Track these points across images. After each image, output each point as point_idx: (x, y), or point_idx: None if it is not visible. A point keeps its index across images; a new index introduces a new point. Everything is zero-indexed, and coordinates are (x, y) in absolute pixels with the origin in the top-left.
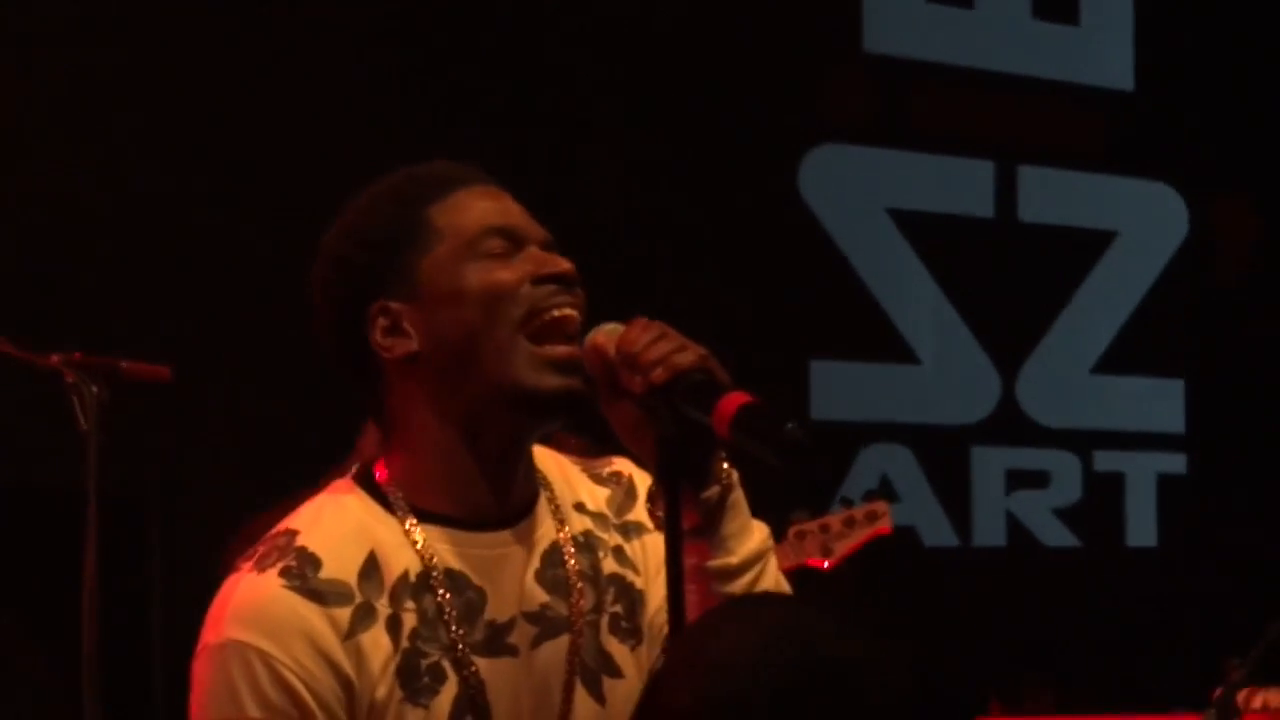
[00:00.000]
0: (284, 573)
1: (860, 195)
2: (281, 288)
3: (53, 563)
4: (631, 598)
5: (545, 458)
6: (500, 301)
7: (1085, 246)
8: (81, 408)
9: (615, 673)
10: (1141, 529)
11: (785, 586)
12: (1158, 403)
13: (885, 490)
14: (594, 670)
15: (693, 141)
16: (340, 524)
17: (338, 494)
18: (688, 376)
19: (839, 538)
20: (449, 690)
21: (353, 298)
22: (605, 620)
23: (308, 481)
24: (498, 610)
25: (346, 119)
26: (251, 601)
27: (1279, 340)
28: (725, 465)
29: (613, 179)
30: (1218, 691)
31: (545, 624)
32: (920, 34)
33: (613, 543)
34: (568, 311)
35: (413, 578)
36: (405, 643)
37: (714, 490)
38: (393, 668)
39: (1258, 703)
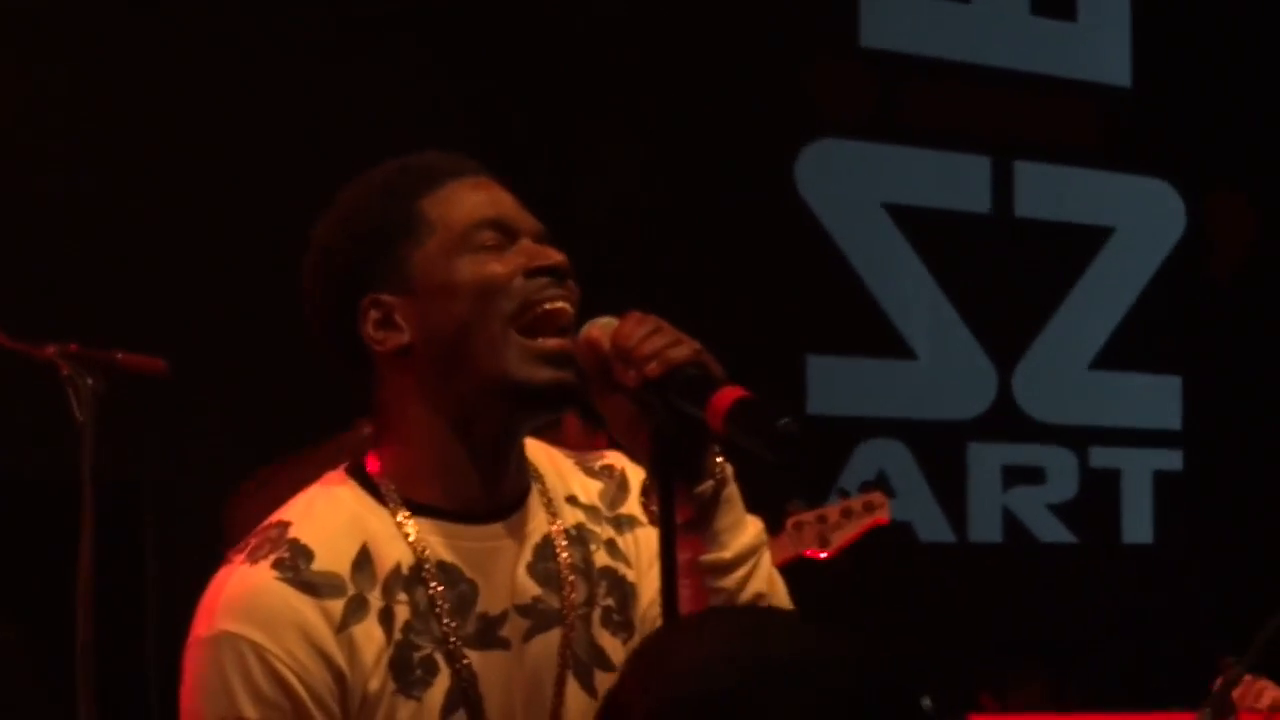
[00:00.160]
0: (277, 565)
1: (857, 190)
2: (277, 280)
3: (48, 554)
4: (624, 591)
5: (537, 450)
6: (492, 295)
7: (1082, 242)
8: (77, 399)
9: (607, 666)
10: (1137, 525)
11: (778, 582)
12: (1154, 399)
13: (882, 486)
14: (586, 663)
15: (689, 136)
16: (333, 516)
17: (330, 486)
18: (682, 371)
19: (836, 528)
20: (441, 683)
21: (344, 290)
22: (597, 613)
23: None
24: (490, 603)
25: (342, 111)
26: (244, 593)
27: (1276, 337)
28: (719, 460)
29: (609, 173)
30: (1219, 681)
31: (537, 617)
32: (917, 29)
33: (605, 536)
34: (560, 305)
35: (405, 570)
36: (398, 635)
37: (708, 485)
38: (385, 660)
39: (1266, 701)
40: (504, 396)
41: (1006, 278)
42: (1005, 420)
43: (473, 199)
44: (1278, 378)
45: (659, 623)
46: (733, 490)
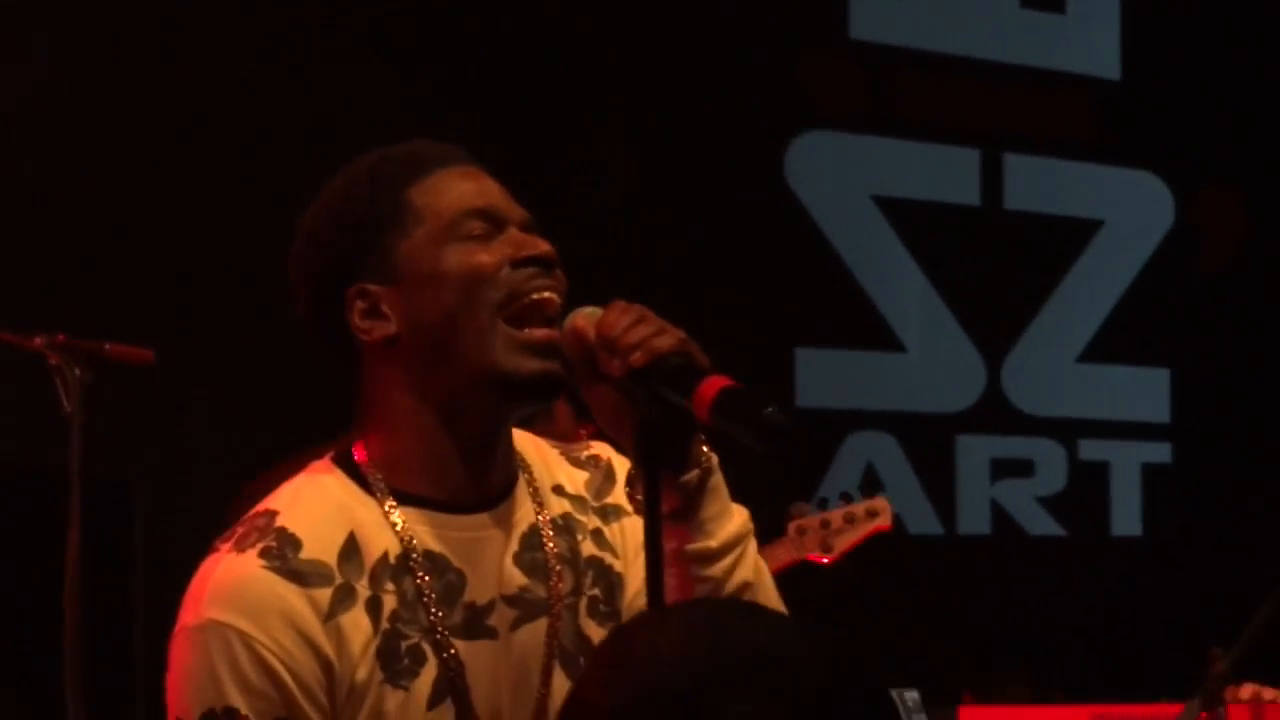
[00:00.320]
0: (264, 553)
1: (846, 182)
2: (265, 270)
3: (36, 544)
4: (610, 581)
5: (524, 441)
6: (479, 285)
7: (1071, 235)
8: (65, 390)
9: None
10: (1126, 518)
11: (765, 570)
12: (1143, 392)
13: (870, 478)
14: (572, 653)
15: (679, 127)
16: (320, 505)
17: (317, 474)
18: (667, 360)
19: (839, 533)
20: (429, 672)
21: (331, 279)
22: (584, 603)
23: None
24: (477, 592)
25: (331, 104)
26: (231, 582)
27: (1264, 330)
28: (705, 449)
29: (598, 166)
30: (1215, 666)
31: (524, 607)
32: (907, 21)
33: (591, 525)
34: (547, 295)
35: (392, 559)
36: (385, 624)
37: (693, 474)
38: (373, 649)
39: (1247, 693)
40: (490, 387)
41: (995, 270)
42: (994, 413)
43: (460, 188)
44: (1266, 370)
45: None
46: (718, 479)
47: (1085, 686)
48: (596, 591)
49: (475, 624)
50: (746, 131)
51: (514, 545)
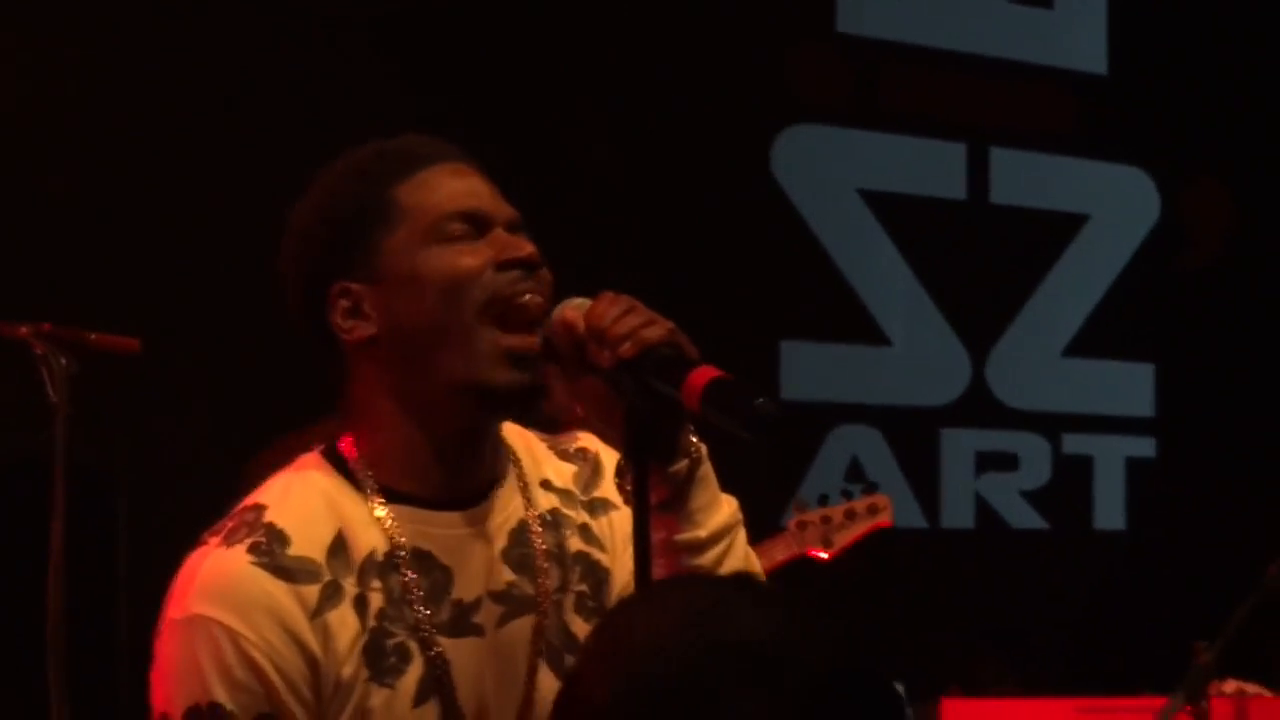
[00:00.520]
0: (252, 549)
1: (832, 176)
2: (251, 259)
3: (20, 534)
4: (598, 576)
5: (513, 433)
6: (462, 288)
7: (1057, 229)
8: (50, 379)
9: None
10: (1110, 512)
11: (754, 559)
12: (1127, 386)
13: (855, 471)
14: (559, 649)
15: (665, 120)
16: (309, 501)
17: (306, 469)
18: (656, 351)
19: (839, 529)
20: (414, 670)
21: (316, 276)
22: (570, 599)
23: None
24: (464, 590)
25: (318, 93)
26: (218, 577)
27: (1249, 325)
28: (694, 439)
29: (584, 157)
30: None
31: (511, 603)
32: (894, 15)
33: (579, 520)
34: (530, 299)
35: (380, 557)
36: (372, 622)
37: (682, 464)
38: (359, 647)
39: (1230, 686)
40: (465, 394)
41: (981, 264)
42: (978, 406)
43: (448, 187)
44: (1250, 365)
45: None
46: (707, 469)
47: (1068, 680)
48: (584, 587)
49: (462, 621)
50: (733, 124)
51: (502, 541)
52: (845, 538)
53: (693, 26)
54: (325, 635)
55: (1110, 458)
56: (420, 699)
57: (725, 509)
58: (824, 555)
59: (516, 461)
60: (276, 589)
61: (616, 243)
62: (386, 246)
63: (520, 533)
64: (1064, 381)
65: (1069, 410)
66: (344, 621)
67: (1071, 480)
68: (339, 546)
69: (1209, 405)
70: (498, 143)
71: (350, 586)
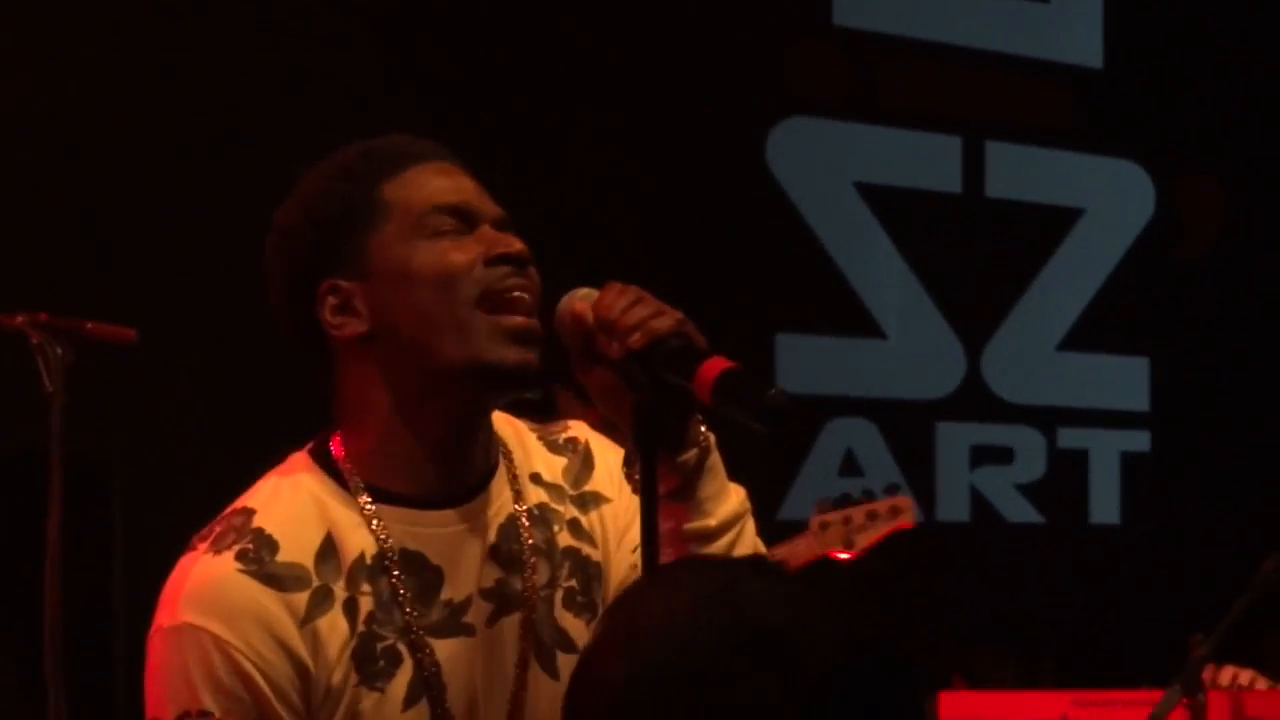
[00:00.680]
0: (240, 556)
1: (828, 169)
2: (248, 250)
3: (15, 525)
4: (588, 572)
5: (504, 424)
6: (452, 283)
7: (1052, 223)
8: (46, 369)
9: (570, 647)
10: (1105, 506)
11: (762, 548)
12: (1122, 380)
13: (850, 465)
14: (548, 645)
15: (661, 113)
16: (297, 504)
17: (294, 472)
18: (665, 342)
19: (861, 530)
20: (405, 673)
21: (303, 274)
22: (559, 595)
23: (272, 445)
24: (455, 589)
25: (315, 86)
26: (207, 585)
27: (1243, 319)
28: (702, 428)
29: (580, 151)
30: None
31: (500, 600)
32: (890, 8)
33: (568, 515)
34: (520, 294)
35: (369, 560)
36: (361, 626)
37: (691, 453)
38: (349, 652)
39: (1225, 679)
40: (470, 378)
41: (976, 258)
42: (974, 400)
43: (434, 184)
44: (1245, 359)
45: None
46: (716, 458)
47: (1064, 674)
48: (573, 583)
49: (452, 621)
50: (729, 117)
51: (491, 538)
52: (867, 539)
53: (690, 20)
54: (315, 642)
55: (1105, 451)
56: (410, 701)
57: (734, 498)
58: (846, 556)
59: (508, 454)
60: (265, 597)
61: (612, 235)
62: (375, 243)
63: (509, 528)
64: (1059, 375)
65: (1064, 404)
66: (334, 627)
67: (1067, 474)
68: (328, 550)
69: (1204, 399)
70: (493, 137)
71: (340, 591)
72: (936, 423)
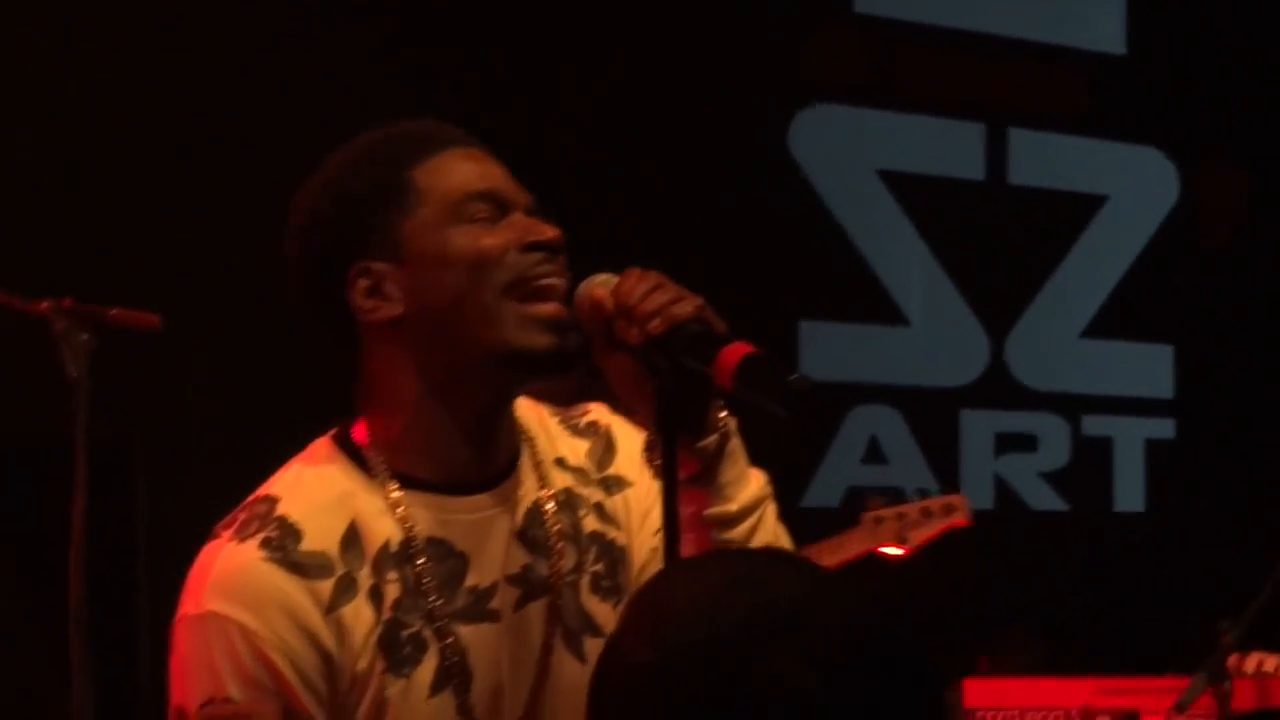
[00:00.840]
0: (264, 544)
1: (851, 156)
2: (272, 235)
3: (40, 511)
4: (613, 555)
5: (526, 410)
6: (486, 267)
7: (1075, 210)
8: (70, 355)
9: (597, 632)
10: (1129, 493)
11: (783, 534)
12: (1146, 367)
13: (874, 452)
14: (575, 630)
15: (682, 101)
16: (321, 492)
17: (318, 458)
18: (686, 327)
19: (915, 526)
20: (430, 660)
21: (331, 256)
22: (586, 580)
23: (296, 431)
24: (480, 575)
25: (343, 72)
26: (231, 573)
27: (1268, 306)
28: (722, 413)
29: (602, 138)
30: (1223, 640)
31: (527, 586)
32: None
33: (593, 499)
34: (553, 281)
35: (394, 547)
36: (387, 614)
37: (712, 439)
38: (374, 639)
39: (1251, 666)
40: (501, 364)
41: (1000, 245)
42: (997, 387)
43: (465, 170)
44: (1269, 346)
45: None
46: (736, 443)
47: (1089, 661)
48: (599, 567)
49: (478, 608)
50: (751, 105)
51: (517, 523)
52: (921, 535)
53: (711, 8)
54: (340, 630)
55: (1130, 439)
56: (436, 688)
57: (755, 483)
58: (899, 552)
59: (530, 440)
60: (290, 585)
61: (635, 223)
62: (408, 227)
63: (535, 514)
64: (1083, 363)
65: (1088, 391)
66: (359, 615)
67: (1091, 461)
68: (352, 538)
69: (1228, 386)
70: (512, 126)
71: (364, 578)
72: (960, 410)
